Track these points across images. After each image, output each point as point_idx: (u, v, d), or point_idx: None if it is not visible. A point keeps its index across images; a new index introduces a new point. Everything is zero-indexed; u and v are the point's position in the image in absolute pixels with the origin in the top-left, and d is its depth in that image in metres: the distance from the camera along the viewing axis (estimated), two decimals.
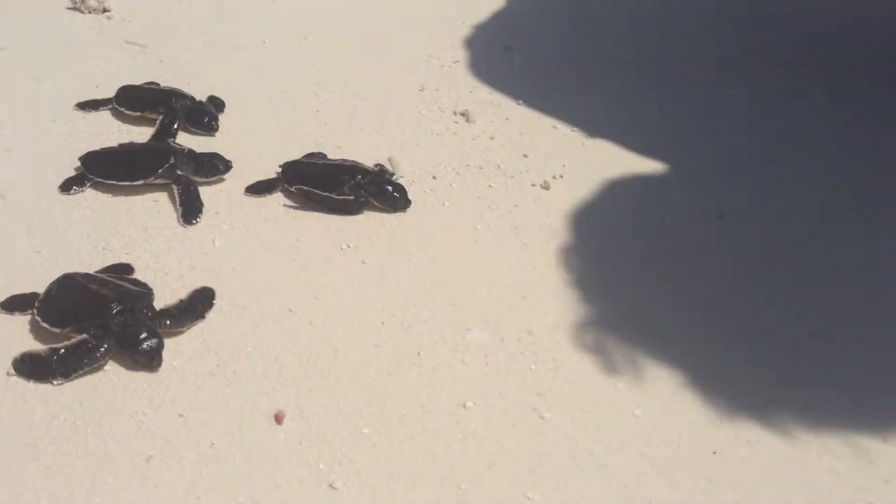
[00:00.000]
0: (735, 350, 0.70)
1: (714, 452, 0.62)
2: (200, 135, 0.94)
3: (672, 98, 1.08)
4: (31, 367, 0.63)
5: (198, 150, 0.88)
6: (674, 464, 0.60)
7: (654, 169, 0.95)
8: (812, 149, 0.98)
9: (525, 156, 0.96)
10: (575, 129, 1.01)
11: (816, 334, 0.72)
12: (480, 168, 0.94)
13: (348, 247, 0.79)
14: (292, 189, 0.85)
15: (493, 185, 0.91)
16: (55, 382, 0.62)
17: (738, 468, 0.61)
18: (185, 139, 0.93)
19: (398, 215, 0.84)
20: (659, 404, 0.65)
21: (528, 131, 1.00)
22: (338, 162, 0.88)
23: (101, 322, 0.64)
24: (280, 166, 0.88)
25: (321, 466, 0.58)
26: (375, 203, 0.84)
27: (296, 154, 0.91)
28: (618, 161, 0.96)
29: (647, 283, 0.77)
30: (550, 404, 0.64)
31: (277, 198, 0.85)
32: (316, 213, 0.83)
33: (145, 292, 0.69)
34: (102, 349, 0.63)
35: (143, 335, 0.64)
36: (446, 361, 0.67)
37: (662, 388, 0.66)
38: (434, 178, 0.91)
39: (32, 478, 0.56)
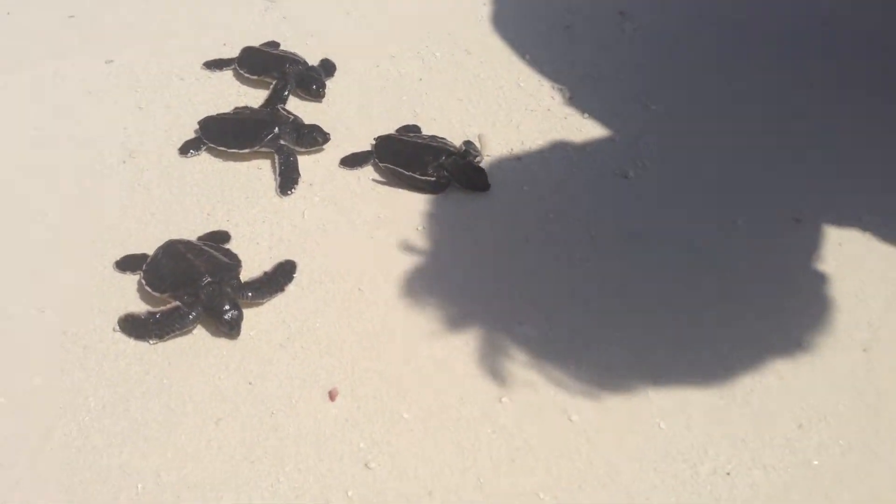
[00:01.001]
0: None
1: (728, 474, 0.65)
2: (309, 100, 1.01)
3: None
4: (132, 326, 0.74)
5: (305, 115, 0.95)
6: (685, 481, 0.65)
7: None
8: None
9: (612, 140, 0.97)
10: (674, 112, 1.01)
11: None
12: (566, 150, 0.96)
13: (423, 228, 0.85)
14: (381, 165, 0.91)
15: (575, 170, 0.93)
16: (151, 342, 0.73)
17: (749, 490, 0.64)
18: (294, 104, 1.00)
19: (476, 196, 0.89)
20: (685, 419, 0.69)
21: (621, 112, 1.01)
22: (427, 140, 0.93)
23: (192, 291, 0.74)
24: (374, 140, 0.94)
25: (361, 445, 0.66)
26: (456, 184, 0.89)
27: (393, 125, 0.96)
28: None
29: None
30: (580, 407, 0.69)
31: (368, 171, 0.92)
32: (401, 190, 0.89)
33: (233, 264, 0.78)
34: (191, 316, 0.73)
35: (227, 307, 0.73)
36: (492, 353, 0.73)
37: (694, 402, 0.70)
38: (519, 159, 0.94)
39: (120, 427, 0.67)
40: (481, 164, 0.91)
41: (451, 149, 0.91)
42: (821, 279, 0.81)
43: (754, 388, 0.71)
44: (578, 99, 1.03)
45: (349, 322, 0.76)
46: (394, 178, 0.91)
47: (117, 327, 0.74)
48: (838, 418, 0.69)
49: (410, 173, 0.89)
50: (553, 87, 1.05)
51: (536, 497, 0.64)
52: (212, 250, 0.79)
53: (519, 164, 0.94)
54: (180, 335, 0.74)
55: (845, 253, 0.84)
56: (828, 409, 0.69)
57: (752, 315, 0.77)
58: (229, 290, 0.75)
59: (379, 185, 0.90)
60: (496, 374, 0.72)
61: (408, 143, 0.92)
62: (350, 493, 0.63)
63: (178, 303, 0.74)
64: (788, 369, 0.72)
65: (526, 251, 0.83)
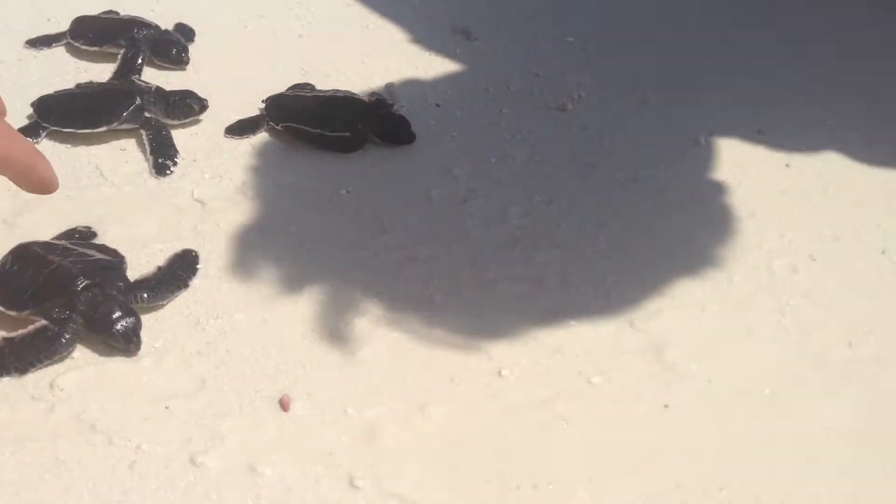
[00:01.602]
0: None
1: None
2: (169, 69, 0.82)
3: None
4: None
5: (168, 86, 0.77)
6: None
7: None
8: None
9: (537, 75, 0.85)
10: (587, 42, 0.91)
11: None
12: (488, 91, 0.83)
13: (348, 191, 0.69)
14: (279, 127, 0.74)
15: (504, 109, 0.80)
16: (12, 376, 0.53)
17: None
18: (152, 75, 0.81)
19: (402, 150, 0.74)
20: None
21: (537, 47, 0.89)
22: (329, 93, 0.77)
23: (65, 302, 0.54)
24: (263, 101, 0.77)
25: (338, 461, 0.49)
26: (375, 138, 0.74)
27: (279, 87, 0.79)
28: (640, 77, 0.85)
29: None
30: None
31: (263, 138, 0.75)
32: (308, 153, 0.73)
33: (116, 261, 0.59)
34: (65, 338, 0.53)
35: (117, 314, 0.54)
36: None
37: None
38: (438, 105, 0.80)
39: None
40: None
41: (362, 100, 0.76)
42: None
43: None
44: (484, 39, 0.90)
45: (284, 312, 0.58)
46: (297, 141, 0.74)
47: None
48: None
49: (319, 131, 0.73)
50: (454, 31, 0.91)
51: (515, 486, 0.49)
52: (80, 248, 0.59)
53: (439, 111, 0.80)
54: (54, 363, 0.53)
55: (822, 159, 0.75)
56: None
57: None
58: (115, 293, 0.56)
59: (280, 151, 0.74)
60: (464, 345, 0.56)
61: (307, 98, 0.76)
62: None
63: (44, 321, 0.54)
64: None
65: (475, 203, 0.69)
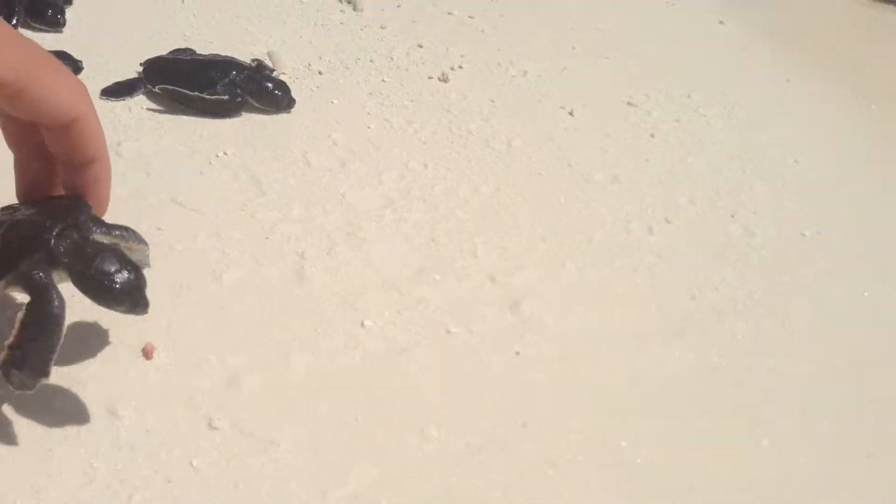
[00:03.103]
0: None
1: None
2: (45, 31, 0.81)
3: None
4: None
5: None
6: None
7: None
8: None
9: (420, 46, 0.87)
10: (473, 15, 0.93)
11: None
12: (372, 61, 0.85)
13: (225, 154, 0.70)
14: (156, 90, 0.74)
15: (386, 79, 0.82)
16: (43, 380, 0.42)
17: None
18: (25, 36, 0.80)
19: (281, 116, 0.75)
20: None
21: (422, 19, 0.91)
22: (209, 57, 0.77)
23: (43, 256, 0.41)
24: (141, 64, 0.76)
25: (198, 403, 0.50)
26: (255, 103, 0.74)
27: (161, 50, 0.79)
28: (523, 49, 0.88)
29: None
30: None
31: (140, 101, 0.75)
32: (186, 117, 0.73)
33: (81, 202, 0.44)
34: (59, 308, 0.41)
35: (115, 267, 0.41)
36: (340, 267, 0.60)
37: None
38: (320, 73, 0.82)
39: None
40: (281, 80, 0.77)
41: (242, 64, 0.76)
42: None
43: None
44: (371, 9, 0.92)
45: (153, 266, 0.59)
46: (175, 105, 0.74)
47: None
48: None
49: (197, 93, 0.73)
50: (339, 1, 0.92)
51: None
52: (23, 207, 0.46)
53: (322, 78, 0.81)
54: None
55: (684, 128, 0.80)
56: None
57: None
58: (102, 239, 0.44)
59: (157, 114, 0.73)
60: (352, 281, 0.58)
61: (187, 61, 0.76)
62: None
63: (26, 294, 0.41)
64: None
65: (352, 167, 0.70)
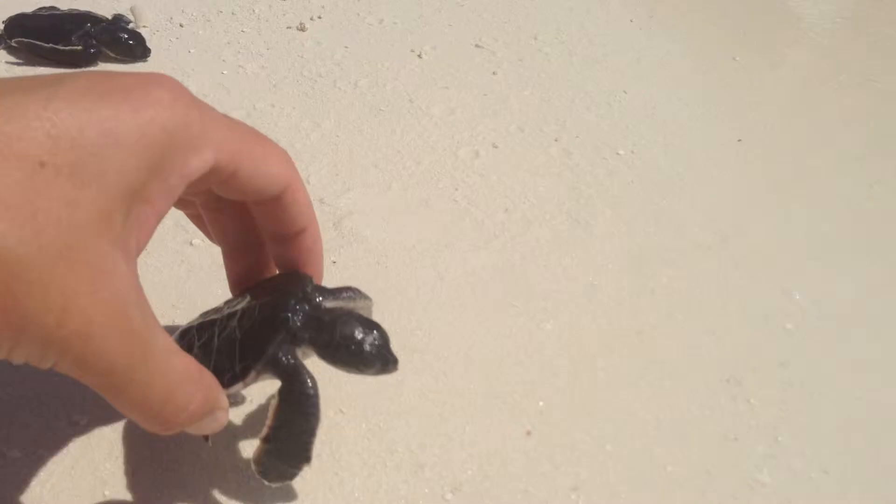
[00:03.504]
0: None
1: None
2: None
3: None
4: (273, 464, 0.39)
5: None
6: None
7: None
8: None
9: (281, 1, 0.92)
10: None
11: None
12: (234, 13, 0.89)
13: None
14: (13, 43, 0.78)
15: (245, 29, 0.87)
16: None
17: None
18: None
19: (137, 66, 0.79)
20: None
21: None
22: (67, 12, 0.81)
23: (285, 336, 0.38)
24: (3, 21, 0.80)
25: None
26: (110, 53, 0.78)
27: (25, 10, 0.83)
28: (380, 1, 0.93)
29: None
30: None
31: (1, 55, 0.78)
32: (43, 69, 0.77)
33: (300, 276, 0.42)
34: (314, 388, 0.38)
35: (359, 330, 0.38)
36: None
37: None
38: (181, 25, 0.86)
39: None
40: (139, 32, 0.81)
41: (98, 17, 0.80)
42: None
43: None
44: None
45: None
46: (33, 57, 0.78)
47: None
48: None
49: (51, 45, 0.77)
50: None
51: None
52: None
53: (182, 30, 0.85)
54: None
55: (526, 66, 0.86)
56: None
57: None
58: (332, 304, 0.41)
59: (15, 66, 0.77)
60: None
61: (45, 16, 0.80)
62: None
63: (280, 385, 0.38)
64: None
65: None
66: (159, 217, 0.32)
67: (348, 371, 0.39)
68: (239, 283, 0.43)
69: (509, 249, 0.63)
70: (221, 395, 0.35)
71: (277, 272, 0.43)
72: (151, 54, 0.80)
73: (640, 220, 0.66)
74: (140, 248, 0.32)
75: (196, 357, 0.36)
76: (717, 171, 0.73)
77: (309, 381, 0.38)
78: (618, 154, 0.74)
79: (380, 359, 0.38)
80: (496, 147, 0.73)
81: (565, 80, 0.84)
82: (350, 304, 0.42)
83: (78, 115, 0.27)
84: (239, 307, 0.40)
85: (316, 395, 0.38)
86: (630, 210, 0.67)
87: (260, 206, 0.38)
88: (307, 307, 0.38)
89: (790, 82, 0.86)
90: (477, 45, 0.88)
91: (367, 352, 0.38)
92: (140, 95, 0.29)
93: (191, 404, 0.33)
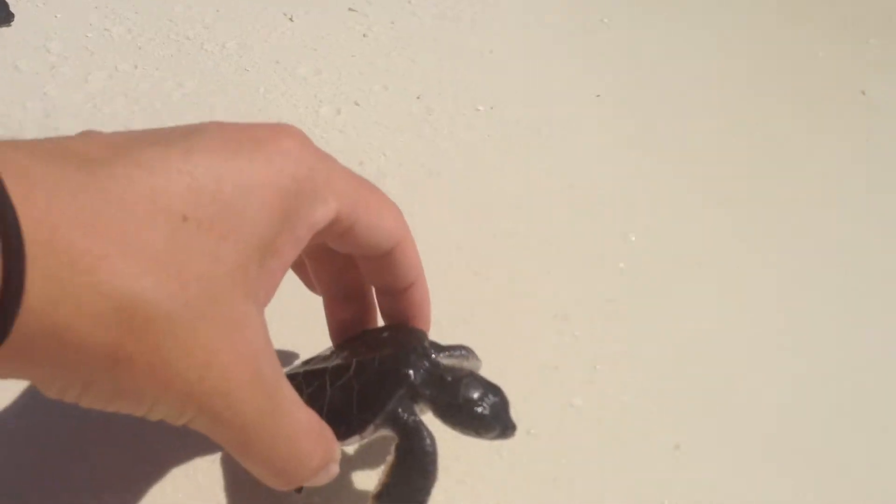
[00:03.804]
0: None
1: None
2: None
3: None
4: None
5: None
6: None
7: None
8: None
9: None
10: None
11: None
12: None
13: None
14: None
15: None
16: None
17: None
18: None
19: (1, 30, 0.79)
20: None
21: None
22: None
23: (406, 393, 0.38)
24: None
25: None
26: None
27: None
28: None
29: None
30: None
31: None
32: None
33: (413, 330, 0.42)
34: (432, 446, 0.37)
35: (478, 392, 0.38)
36: None
37: None
38: None
39: None
40: None
41: None
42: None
43: None
44: None
45: None
46: None
47: None
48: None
49: None
50: None
51: None
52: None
53: None
54: None
55: (397, 28, 0.87)
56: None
57: None
58: (454, 363, 0.41)
59: None
60: None
61: None
62: None
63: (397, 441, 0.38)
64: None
65: (61, 70, 0.75)
66: (286, 268, 0.32)
67: (464, 433, 0.38)
68: (341, 333, 0.42)
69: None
70: (337, 448, 0.34)
71: (380, 323, 0.42)
72: (15, 19, 0.79)
73: (491, 171, 0.68)
74: (268, 300, 0.31)
75: None
76: (574, 125, 0.76)
77: (428, 438, 0.37)
78: (477, 110, 0.76)
79: (500, 423, 0.37)
80: (358, 105, 0.75)
81: (434, 41, 0.85)
82: (463, 363, 0.41)
83: (216, 167, 0.27)
84: (352, 359, 0.38)
85: (434, 454, 0.37)
86: (483, 162, 0.69)
87: (369, 259, 0.38)
88: (427, 364, 0.38)
89: (651, 42, 0.89)
90: (350, 9, 0.89)
91: (488, 416, 0.37)
92: (270, 146, 0.29)
93: (313, 459, 0.32)
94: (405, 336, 0.40)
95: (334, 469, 0.34)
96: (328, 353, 0.42)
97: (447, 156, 0.70)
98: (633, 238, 0.63)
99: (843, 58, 0.89)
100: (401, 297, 0.40)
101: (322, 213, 0.32)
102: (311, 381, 0.38)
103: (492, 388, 0.38)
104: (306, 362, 0.42)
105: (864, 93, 0.84)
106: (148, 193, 0.26)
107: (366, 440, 0.38)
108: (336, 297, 0.42)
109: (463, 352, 0.41)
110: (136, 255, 0.25)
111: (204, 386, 0.27)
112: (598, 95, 0.80)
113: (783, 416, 0.52)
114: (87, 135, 0.28)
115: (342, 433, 0.36)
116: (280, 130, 0.31)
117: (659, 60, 0.86)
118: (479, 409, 0.37)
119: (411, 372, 0.37)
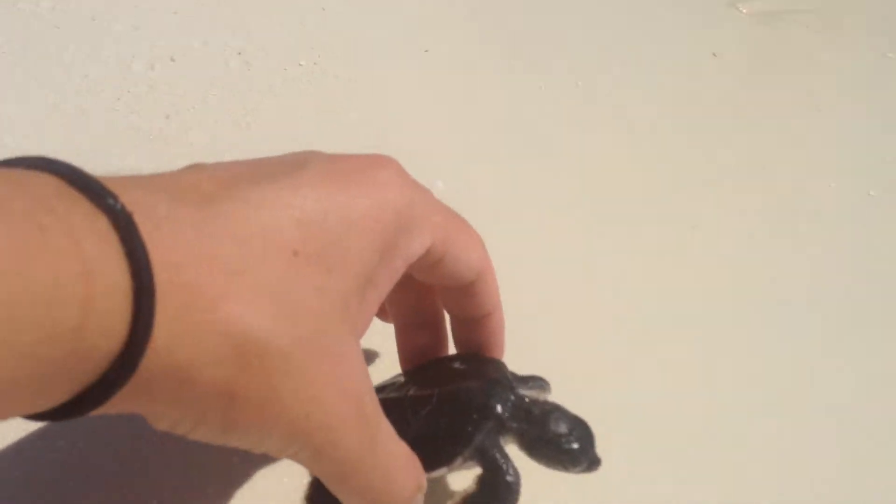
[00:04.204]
0: None
1: None
2: None
3: None
4: None
5: None
6: None
7: None
8: None
9: None
10: None
11: None
12: None
13: None
14: None
15: None
16: None
17: None
18: None
19: None
20: None
21: None
22: None
23: (493, 426, 0.38)
24: None
25: None
26: None
27: None
28: None
29: None
30: None
31: None
32: None
33: (493, 361, 0.41)
34: (515, 478, 0.37)
35: (565, 426, 0.38)
36: None
37: None
38: None
39: None
40: None
41: None
42: None
43: None
44: None
45: None
46: None
47: None
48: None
49: None
50: None
51: None
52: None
53: None
54: None
55: None
56: None
57: None
58: (537, 397, 0.42)
59: None
60: None
61: None
62: None
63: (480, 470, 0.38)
64: None
65: None
66: (381, 300, 0.32)
67: (549, 466, 0.38)
68: (412, 360, 0.42)
69: (168, 153, 0.63)
70: (424, 479, 0.34)
71: (451, 351, 0.42)
72: None
73: (302, 123, 0.68)
74: (363, 332, 0.32)
75: None
76: (396, 79, 0.75)
77: (513, 475, 0.36)
78: (299, 65, 0.75)
79: (586, 457, 0.37)
80: (174, 61, 0.73)
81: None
82: (542, 395, 0.41)
83: (322, 201, 0.27)
84: (432, 389, 0.38)
85: (518, 491, 0.36)
86: (295, 113, 0.69)
87: (451, 289, 0.37)
88: (513, 396, 0.37)
89: None
90: None
91: (576, 450, 0.37)
92: (370, 178, 0.30)
93: (406, 490, 0.32)
94: (484, 366, 0.40)
95: (420, 500, 0.34)
96: (400, 380, 0.41)
97: (259, 109, 0.69)
98: (441, 184, 0.63)
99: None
100: (477, 325, 0.39)
101: (418, 246, 0.32)
102: (390, 410, 0.36)
103: (578, 423, 0.38)
104: (378, 390, 0.41)
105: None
106: (261, 230, 0.26)
107: (451, 472, 0.38)
108: (411, 324, 0.41)
109: (539, 382, 0.42)
110: (252, 292, 0.25)
111: (310, 422, 0.27)
112: (426, 51, 0.80)
113: None
114: (196, 169, 0.28)
115: (429, 464, 0.35)
116: (378, 161, 0.31)
117: (486, 12, 0.87)
118: (568, 444, 0.37)
119: (499, 405, 0.37)
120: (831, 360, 0.57)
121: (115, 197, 0.23)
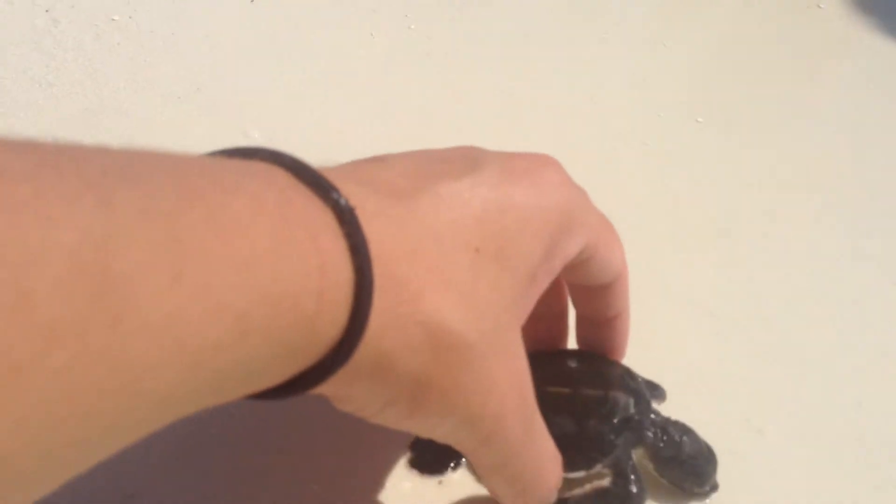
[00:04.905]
0: None
1: None
2: None
3: None
4: None
5: None
6: None
7: None
8: None
9: None
10: None
11: None
12: None
13: None
14: None
15: None
16: None
17: None
18: None
19: None
20: None
21: None
22: None
23: (633, 438, 0.39)
24: None
25: None
26: None
27: None
28: None
29: None
30: None
31: None
32: None
33: (620, 366, 0.42)
34: (640, 490, 0.38)
35: (698, 449, 0.40)
36: None
37: None
38: None
39: None
40: None
41: None
42: None
43: None
44: None
45: None
46: None
47: None
48: None
49: None
50: None
51: None
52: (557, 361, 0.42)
53: None
54: None
55: None
56: None
57: None
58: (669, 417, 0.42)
59: None
60: None
61: None
62: None
63: (605, 479, 0.39)
64: None
65: None
66: (538, 296, 0.32)
67: (673, 483, 0.39)
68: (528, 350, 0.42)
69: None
70: (561, 476, 0.35)
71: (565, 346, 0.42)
72: None
73: (112, 80, 0.65)
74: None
75: None
76: (219, 33, 0.73)
77: (641, 489, 0.37)
78: (112, 20, 0.72)
79: (709, 482, 0.39)
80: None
81: None
82: (659, 403, 0.42)
83: (500, 199, 0.28)
84: (567, 390, 0.38)
85: (643, 499, 0.37)
86: (104, 71, 0.66)
87: (587, 288, 0.37)
88: (652, 413, 0.39)
89: None
90: None
91: (705, 474, 0.39)
92: (541, 179, 0.30)
93: (551, 482, 0.33)
94: (610, 369, 0.40)
95: (554, 497, 0.35)
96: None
97: (65, 68, 0.66)
98: (257, 135, 0.62)
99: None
100: (604, 326, 0.40)
101: (573, 246, 0.32)
102: None
103: (707, 448, 0.40)
104: None
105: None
106: (450, 226, 0.27)
107: (587, 476, 0.38)
108: (533, 314, 0.41)
109: (661, 391, 0.43)
110: (446, 286, 0.26)
111: (485, 410, 0.28)
112: (251, 1, 0.78)
113: None
114: (384, 163, 0.28)
115: (569, 465, 0.36)
116: (543, 161, 0.32)
117: None
118: (699, 468, 0.39)
119: (646, 423, 0.38)
120: None
121: (338, 192, 0.23)
